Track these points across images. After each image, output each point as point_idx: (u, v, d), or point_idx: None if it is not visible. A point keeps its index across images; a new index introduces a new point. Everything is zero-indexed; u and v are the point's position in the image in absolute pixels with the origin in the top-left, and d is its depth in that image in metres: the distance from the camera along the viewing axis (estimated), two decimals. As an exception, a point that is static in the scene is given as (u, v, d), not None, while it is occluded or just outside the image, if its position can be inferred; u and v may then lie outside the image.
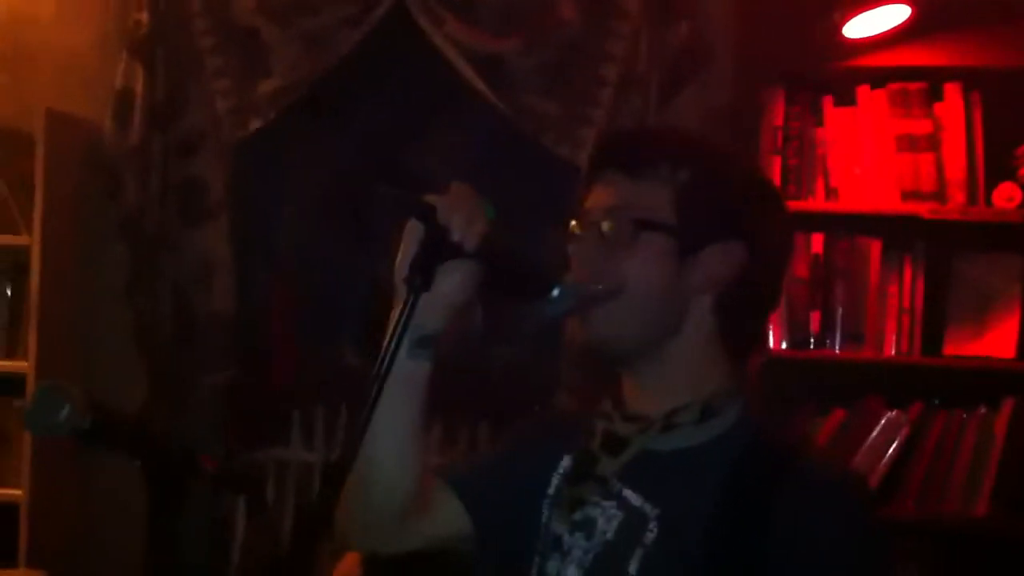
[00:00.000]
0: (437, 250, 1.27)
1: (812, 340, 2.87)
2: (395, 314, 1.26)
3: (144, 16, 3.07)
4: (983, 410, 2.81)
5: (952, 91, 2.89)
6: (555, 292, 1.32)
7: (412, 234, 1.29)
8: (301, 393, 3.27)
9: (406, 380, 1.34)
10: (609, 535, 1.35)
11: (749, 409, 1.37)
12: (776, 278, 1.42)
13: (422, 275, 1.26)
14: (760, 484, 1.28)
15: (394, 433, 1.37)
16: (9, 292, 3.11)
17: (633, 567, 1.30)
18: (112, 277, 3.15)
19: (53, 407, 1.26)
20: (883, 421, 2.81)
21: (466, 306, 1.37)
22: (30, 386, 2.93)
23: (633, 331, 1.35)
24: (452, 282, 1.31)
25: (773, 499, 1.26)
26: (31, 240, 2.98)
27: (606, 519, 1.35)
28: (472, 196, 1.30)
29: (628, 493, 1.35)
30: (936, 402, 2.83)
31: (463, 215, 1.27)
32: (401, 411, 1.37)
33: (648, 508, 1.32)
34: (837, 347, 2.87)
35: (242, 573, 3.12)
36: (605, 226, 1.34)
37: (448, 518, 1.45)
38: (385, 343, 1.24)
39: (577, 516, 1.38)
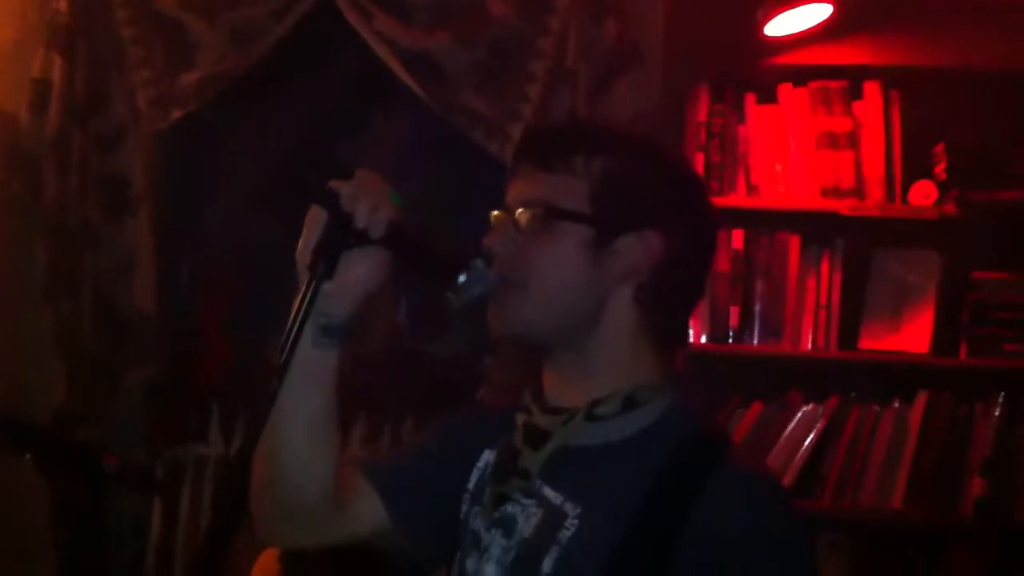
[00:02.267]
0: (341, 237, 1.26)
1: (731, 334, 2.90)
2: (296, 302, 1.24)
3: (63, 5, 3.01)
4: (897, 404, 2.86)
5: (872, 89, 2.94)
6: (461, 278, 1.31)
7: (315, 220, 1.27)
8: (223, 389, 3.24)
9: (312, 369, 1.33)
10: (527, 533, 1.33)
11: (677, 404, 1.35)
12: (698, 269, 1.41)
13: (325, 262, 1.25)
14: (682, 482, 1.26)
15: (302, 423, 1.36)
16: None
17: (547, 565, 1.28)
18: (33, 273, 3.09)
19: None
20: (800, 414, 2.85)
21: (375, 293, 1.36)
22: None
23: (545, 319, 1.34)
24: (359, 269, 1.30)
25: (694, 497, 1.24)
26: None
27: (525, 517, 1.34)
28: (378, 182, 1.29)
29: (548, 491, 1.33)
30: (852, 395, 2.87)
31: (368, 202, 1.26)
32: (308, 401, 1.35)
33: (568, 506, 1.31)
34: (755, 341, 2.90)
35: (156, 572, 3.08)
36: (519, 216, 1.34)
37: (365, 512, 1.43)
38: (286, 331, 1.23)
39: (496, 514, 1.36)
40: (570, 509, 1.30)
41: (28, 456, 1.27)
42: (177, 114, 3.04)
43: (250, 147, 3.31)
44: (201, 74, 3.03)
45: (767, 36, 2.95)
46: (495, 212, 1.39)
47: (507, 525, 1.35)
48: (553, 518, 1.31)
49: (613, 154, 1.35)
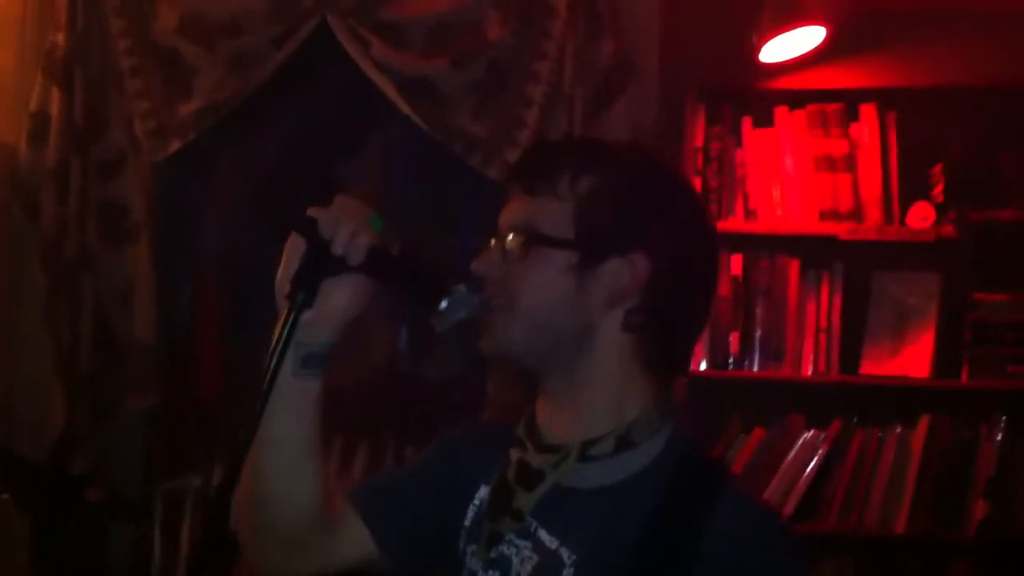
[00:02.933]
0: (319, 265, 1.24)
1: (732, 360, 2.88)
2: (276, 332, 1.23)
3: (61, 37, 3.03)
4: (900, 428, 2.83)
5: (868, 112, 2.93)
6: (444, 303, 1.29)
7: (294, 248, 1.26)
8: (224, 417, 3.23)
9: (295, 399, 1.31)
10: None
11: (676, 439, 1.31)
12: (695, 291, 1.35)
13: (304, 291, 1.23)
14: (683, 516, 1.24)
15: (286, 453, 1.34)
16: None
17: None
18: (32, 299, 3.10)
19: None
20: (802, 439, 2.83)
21: (357, 320, 1.32)
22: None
23: (531, 341, 1.31)
24: (339, 297, 1.28)
25: (697, 530, 1.22)
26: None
27: (520, 560, 1.30)
28: (358, 208, 1.27)
29: (543, 534, 1.30)
30: (854, 420, 2.85)
31: (347, 228, 1.24)
32: (292, 430, 1.33)
33: (564, 552, 1.27)
34: (756, 366, 2.89)
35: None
36: (508, 241, 1.32)
37: (352, 538, 1.40)
38: (266, 362, 1.22)
39: (493, 554, 1.33)
40: (565, 555, 1.27)
41: (5, 496, 1.25)
42: (176, 145, 3.06)
43: (247, 171, 3.31)
44: (199, 103, 3.05)
45: (762, 61, 2.95)
46: (492, 239, 1.37)
47: (503, 567, 1.32)
48: (549, 564, 1.28)
49: (599, 173, 1.32)
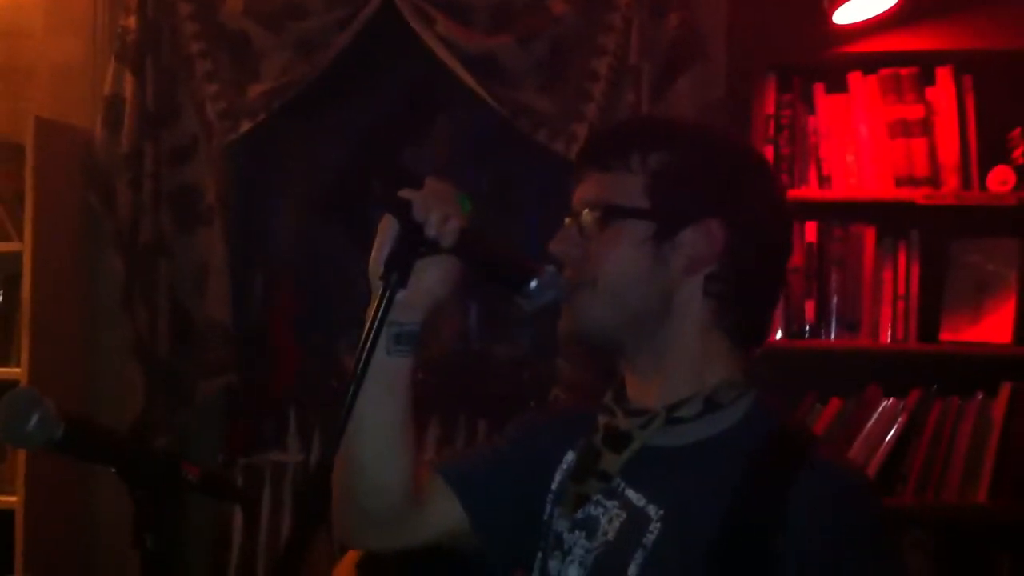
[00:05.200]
0: (413, 246, 1.26)
1: (807, 329, 2.85)
2: (371, 311, 1.25)
3: (132, 22, 3.07)
4: (980, 396, 2.78)
5: (944, 75, 2.87)
6: (533, 284, 1.31)
7: (387, 230, 1.28)
8: (297, 396, 3.27)
9: (387, 377, 1.34)
10: (610, 535, 1.32)
11: (761, 403, 1.34)
12: (771, 258, 1.38)
13: (398, 272, 1.25)
14: (770, 478, 1.25)
15: (379, 431, 1.37)
16: (0, 298, 3.11)
17: (633, 569, 1.28)
18: (109, 284, 3.15)
19: (22, 416, 1.24)
20: (880, 409, 2.79)
21: (446, 301, 1.36)
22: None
23: (613, 319, 1.34)
24: (430, 278, 1.31)
25: (784, 492, 1.23)
26: (22, 246, 2.97)
27: (608, 519, 1.33)
28: (448, 191, 1.30)
29: (631, 493, 1.33)
30: (933, 389, 2.80)
31: (439, 211, 1.27)
32: (384, 409, 1.36)
33: (652, 509, 1.30)
34: (832, 336, 2.85)
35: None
36: (583, 217, 1.34)
37: (443, 513, 1.44)
38: (361, 341, 1.23)
39: (579, 515, 1.36)
40: (653, 512, 1.30)
41: (114, 470, 1.28)
42: (246, 126, 3.09)
43: (314, 153, 3.34)
44: (268, 85, 3.07)
45: (835, 24, 2.91)
46: (567, 219, 1.39)
47: (590, 527, 1.35)
48: (636, 520, 1.31)
49: (669, 147, 1.34)
